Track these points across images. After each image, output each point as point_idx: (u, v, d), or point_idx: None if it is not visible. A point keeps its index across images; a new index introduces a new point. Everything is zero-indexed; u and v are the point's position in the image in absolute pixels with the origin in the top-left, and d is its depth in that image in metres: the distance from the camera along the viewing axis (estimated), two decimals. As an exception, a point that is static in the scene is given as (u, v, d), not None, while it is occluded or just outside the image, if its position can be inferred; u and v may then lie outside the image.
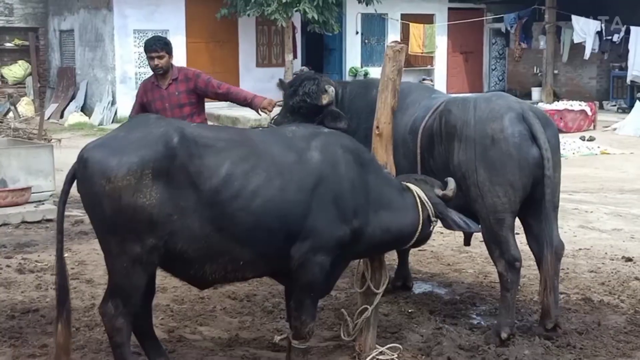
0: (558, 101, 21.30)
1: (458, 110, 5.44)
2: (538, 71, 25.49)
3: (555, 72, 24.61)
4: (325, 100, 6.07)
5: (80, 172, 4.35)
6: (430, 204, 4.94)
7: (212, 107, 15.74)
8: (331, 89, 6.13)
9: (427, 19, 25.29)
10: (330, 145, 4.69)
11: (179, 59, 21.28)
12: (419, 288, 6.81)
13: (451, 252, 7.94)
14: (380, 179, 4.88)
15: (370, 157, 4.95)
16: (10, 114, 19.67)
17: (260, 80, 21.81)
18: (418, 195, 4.94)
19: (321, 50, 24.74)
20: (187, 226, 4.32)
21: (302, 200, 4.50)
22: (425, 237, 5.08)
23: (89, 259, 7.48)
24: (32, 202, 9.50)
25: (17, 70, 22.62)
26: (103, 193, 4.23)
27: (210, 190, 4.33)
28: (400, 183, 5.01)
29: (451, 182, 5.06)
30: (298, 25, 22.53)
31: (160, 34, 20.55)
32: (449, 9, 25.74)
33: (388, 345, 5.25)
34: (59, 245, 4.54)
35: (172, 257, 4.41)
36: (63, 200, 4.50)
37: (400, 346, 5.29)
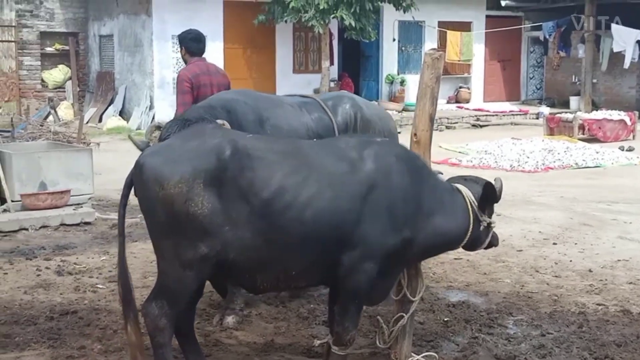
0: (597, 110, 21.11)
1: None
2: (576, 80, 25.30)
3: (594, 81, 24.41)
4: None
5: (137, 177, 4.48)
6: (476, 205, 4.93)
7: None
8: (227, 123, 5.52)
9: (465, 27, 25.20)
10: (383, 155, 4.69)
11: (217, 64, 21.38)
12: (454, 297, 6.78)
13: (487, 261, 7.89)
14: (432, 185, 4.87)
15: (422, 164, 4.94)
16: (51, 118, 19.96)
17: (297, 87, 21.87)
18: (467, 196, 4.93)
19: (358, 57, 24.75)
20: (239, 237, 4.37)
21: (354, 210, 4.51)
22: (477, 239, 5.02)
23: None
24: (71, 205, 9.61)
25: (57, 74, 22.90)
26: (157, 198, 4.34)
27: (262, 202, 4.37)
28: (451, 185, 5.01)
29: (498, 181, 5.04)
30: (335, 32, 22.58)
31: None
32: (487, 16, 25.63)
33: (424, 354, 5.23)
34: (120, 247, 4.65)
35: (224, 266, 4.48)
36: (123, 203, 4.61)
37: (436, 355, 5.27)
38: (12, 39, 22.73)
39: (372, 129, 6.49)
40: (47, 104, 21.02)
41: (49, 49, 22.91)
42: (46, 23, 22.84)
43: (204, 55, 7.18)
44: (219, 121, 5.36)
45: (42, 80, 22.84)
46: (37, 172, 9.67)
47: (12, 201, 9.42)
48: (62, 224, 9.25)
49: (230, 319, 5.97)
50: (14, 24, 22.53)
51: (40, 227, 9.10)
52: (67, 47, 23.01)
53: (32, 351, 5.39)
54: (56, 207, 9.47)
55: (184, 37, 7.14)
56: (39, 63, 22.78)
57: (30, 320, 5.98)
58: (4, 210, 9.39)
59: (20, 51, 22.41)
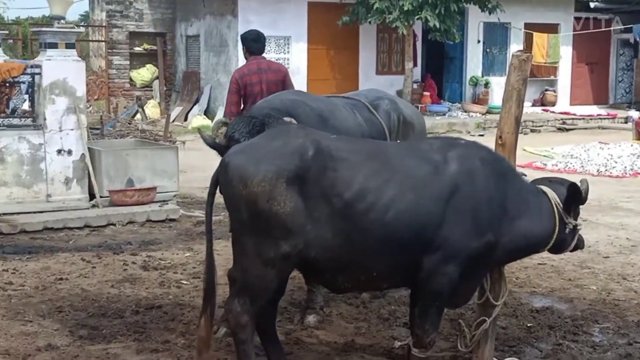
0: (689, 115, 20.48)
1: None
2: (667, 83, 24.58)
3: (686, 84, 23.69)
4: None
5: (222, 175, 4.55)
6: (561, 207, 4.84)
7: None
8: (291, 120, 5.55)
9: (552, 29, 24.75)
10: (467, 157, 4.65)
11: (301, 65, 21.66)
12: (538, 302, 6.68)
13: (572, 267, 7.75)
14: (517, 187, 4.81)
15: (508, 166, 4.89)
16: (138, 116, 20.40)
17: (380, 88, 21.53)
18: (552, 198, 4.85)
19: (441, 58, 24.56)
20: (321, 237, 4.40)
21: (436, 212, 4.49)
22: (563, 242, 4.93)
23: (209, 258, 7.64)
24: (156, 202, 9.81)
25: (144, 73, 23.40)
26: (241, 196, 4.41)
27: (344, 202, 4.39)
28: (535, 187, 4.93)
29: (584, 183, 4.94)
30: (419, 33, 22.47)
31: (282, 40, 21.17)
32: (575, 18, 25.12)
33: (506, 359, 5.16)
34: (208, 244, 4.73)
35: (305, 265, 4.53)
36: (210, 201, 4.69)
37: (518, 360, 5.20)
38: (102, 39, 23.34)
39: (411, 129, 6.56)
40: (135, 102, 21.49)
41: (137, 49, 23.42)
42: (135, 23, 23.36)
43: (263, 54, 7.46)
44: (286, 119, 5.41)
45: (131, 79, 23.37)
46: (125, 169, 9.90)
47: (101, 197, 9.67)
48: (148, 220, 9.45)
49: (311, 318, 6.00)
50: (104, 24, 23.11)
51: (127, 223, 9.32)
52: (155, 47, 23.48)
53: (119, 344, 5.52)
54: (142, 203, 9.69)
55: (245, 38, 7.44)
56: (128, 62, 23.32)
57: (117, 314, 6.13)
58: (93, 206, 9.66)
59: (109, 51, 22.99)
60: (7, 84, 9.62)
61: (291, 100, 6.02)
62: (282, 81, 7.21)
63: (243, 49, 7.49)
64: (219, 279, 6.80)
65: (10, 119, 9.62)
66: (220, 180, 4.59)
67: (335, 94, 7.09)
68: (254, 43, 7.38)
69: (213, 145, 5.52)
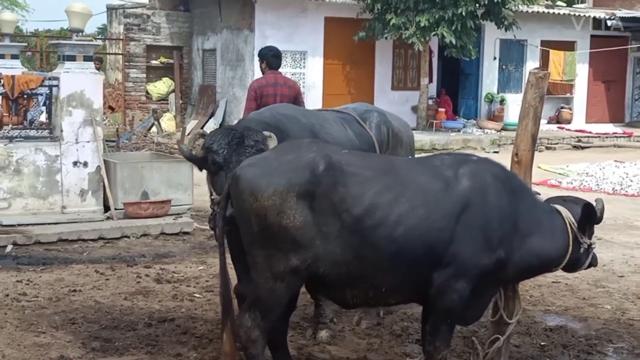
0: None
1: None
2: (684, 102, 24.47)
3: (703, 103, 23.58)
4: (272, 145, 5.25)
5: (233, 188, 4.56)
6: (576, 226, 4.82)
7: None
8: (273, 135, 5.37)
9: (568, 46, 24.72)
10: (479, 173, 4.64)
11: (316, 79, 21.71)
12: (552, 321, 6.64)
13: (587, 286, 7.70)
14: (530, 205, 4.79)
15: (520, 183, 4.87)
16: (154, 129, 20.48)
17: (395, 103, 21.86)
18: (567, 217, 4.83)
19: (457, 74, 24.57)
20: (330, 251, 4.40)
21: (447, 229, 4.48)
22: (577, 261, 4.90)
23: (223, 272, 7.64)
24: (171, 215, 9.84)
25: (161, 87, 23.51)
26: (251, 209, 4.41)
27: (353, 218, 4.39)
28: (549, 206, 4.91)
29: (599, 202, 4.92)
30: (435, 49, 22.49)
31: (298, 55, 21.25)
32: (592, 36, 25.07)
33: (519, 378, 5.14)
34: (221, 257, 4.74)
35: (314, 280, 4.52)
36: (222, 215, 4.68)
37: (531, 379, 5.16)
38: (120, 52, 23.48)
39: (399, 142, 6.59)
40: (151, 115, 21.57)
41: (154, 62, 23.55)
42: (152, 37, 23.49)
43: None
44: (265, 133, 5.35)
45: (147, 92, 23.48)
46: (140, 182, 9.95)
47: (115, 209, 9.71)
48: (162, 233, 9.47)
49: (323, 333, 5.99)
50: (121, 37, 23.26)
51: (141, 236, 9.35)
52: (171, 61, 23.61)
53: (131, 356, 5.53)
54: (157, 216, 9.71)
55: (265, 54, 7.93)
56: (144, 75, 23.44)
57: (130, 326, 6.14)
58: (108, 218, 9.70)
59: (126, 64, 23.12)
60: (25, 96, 9.70)
61: (282, 114, 6.00)
62: (295, 97, 7.56)
63: (263, 63, 7.88)
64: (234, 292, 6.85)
65: (28, 131, 9.71)
66: (231, 192, 4.60)
67: (326, 109, 7.15)
68: (275, 59, 7.88)
69: (190, 157, 5.36)
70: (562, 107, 24.92)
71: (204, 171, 5.43)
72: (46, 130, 9.79)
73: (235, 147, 5.14)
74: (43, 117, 9.81)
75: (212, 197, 5.23)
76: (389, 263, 4.46)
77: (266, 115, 5.94)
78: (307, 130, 5.87)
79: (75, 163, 9.75)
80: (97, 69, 18.81)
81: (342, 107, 6.85)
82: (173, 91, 23.56)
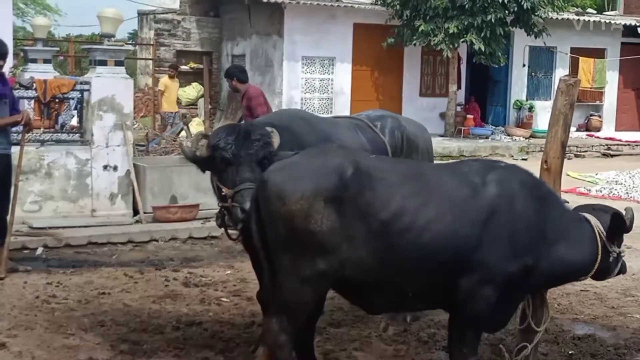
0: None
1: None
2: None
3: None
4: (276, 143, 5.29)
5: (261, 192, 4.56)
6: (605, 235, 4.79)
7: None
8: (275, 131, 5.37)
9: (598, 53, 24.56)
10: (506, 180, 4.64)
11: (344, 85, 21.73)
12: (580, 330, 6.60)
13: (616, 295, 7.64)
14: (557, 213, 4.77)
15: (548, 190, 4.86)
16: (183, 133, 20.57)
17: (423, 110, 21.83)
18: (596, 227, 4.80)
19: (485, 81, 24.48)
20: (357, 256, 4.40)
21: (474, 235, 4.47)
22: (606, 269, 4.88)
23: (250, 277, 7.67)
24: (199, 219, 9.88)
25: (190, 91, 23.63)
26: (278, 214, 4.42)
27: (380, 223, 4.39)
28: (578, 214, 4.89)
29: (629, 211, 4.88)
30: (464, 56, 22.44)
31: (326, 61, 21.31)
32: (622, 43, 24.89)
33: (546, 386, 5.11)
34: (266, 262, 4.66)
35: (341, 284, 4.53)
36: (254, 219, 4.63)
37: (559, 388, 5.13)
38: (150, 57, 23.64)
39: (415, 147, 6.57)
40: (181, 120, 21.69)
41: (184, 67, 23.68)
42: (182, 42, 23.64)
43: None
44: (268, 128, 5.34)
45: (177, 97, 23.60)
46: (169, 186, 10.01)
47: (145, 213, 9.78)
48: (190, 237, 9.52)
49: (390, 329, 6.22)
50: (152, 43, 23.43)
51: (170, 239, 9.40)
52: (201, 66, 23.72)
53: (159, 359, 5.57)
54: (185, 220, 9.77)
55: (233, 72, 9.04)
56: (174, 81, 23.54)
57: (158, 329, 6.18)
58: (137, 222, 9.77)
59: (156, 69, 23.27)
60: (57, 100, 9.82)
61: (292, 118, 6.00)
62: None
63: (233, 80, 8.92)
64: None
65: (59, 134, 9.81)
66: (259, 196, 4.61)
67: (339, 115, 7.19)
68: (244, 74, 9.03)
69: (193, 158, 5.39)
70: (591, 115, 24.75)
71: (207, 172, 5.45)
72: (77, 134, 9.90)
73: (242, 141, 5.14)
74: (74, 121, 9.91)
75: (223, 192, 5.20)
76: (415, 268, 4.46)
77: (273, 118, 5.95)
78: (319, 135, 5.85)
79: (105, 167, 9.84)
80: (173, 76, 19.22)
81: (356, 114, 6.88)
82: (202, 96, 23.67)
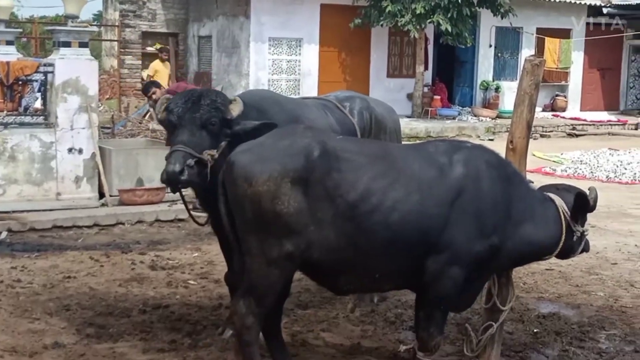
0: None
1: None
2: (679, 90, 24.50)
3: (698, 91, 23.60)
4: (234, 112, 5.16)
5: (227, 174, 4.53)
6: (569, 215, 4.84)
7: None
8: (239, 99, 5.29)
9: (564, 34, 24.72)
10: (473, 160, 4.65)
11: (312, 66, 21.67)
12: (545, 308, 6.67)
13: (580, 273, 7.73)
14: (523, 192, 4.80)
15: (513, 170, 4.89)
16: (149, 116, 20.43)
17: (391, 91, 21.86)
18: (560, 206, 4.84)
19: (452, 62, 24.56)
20: (324, 237, 4.40)
21: (441, 214, 4.49)
22: (570, 248, 4.93)
23: (217, 259, 7.66)
24: (166, 202, 9.83)
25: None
26: (245, 195, 4.40)
27: (348, 204, 4.39)
28: (542, 194, 4.93)
29: (592, 191, 4.93)
30: (431, 36, 22.46)
31: (293, 42, 21.22)
32: (587, 24, 25.07)
33: (512, 364, 5.16)
34: (234, 244, 4.67)
35: (308, 265, 4.52)
36: (222, 200, 4.61)
37: (524, 366, 5.19)
38: (115, 39, 23.40)
39: (383, 128, 6.55)
40: (147, 102, 21.50)
41: (149, 49, 23.46)
42: (148, 23, 23.41)
43: None
44: (231, 97, 5.28)
45: (142, 79, 23.40)
46: (135, 169, 9.94)
47: (110, 196, 9.71)
48: (156, 220, 9.48)
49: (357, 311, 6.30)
50: (117, 24, 23.18)
51: (136, 222, 9.35)
52: (167, 47, 23.50)
53: (125, 342, 5.54)
54: (152, 203, 9.71)
55: (146, 89, 10.33)
56: (140, 62, 23.35)
57: (124, 313, 6.15)
58: (102, 205, 9.69)
59: (122, 50, 23.04)
60: (20, 82, 9.68)
61: (261, 97, 5.92)
62: None
63: (151, 94, 9.86)
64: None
65: (22, 117, 9.68)
66: (225, 178, 4.58)
67: (307, 97, 7.09)
68: (148, 87, 10.04)
69: (159, 121, 5.38)
70: (557, 95, 24.95)
71: None
72: (41, 117, 9.77)
73: (190, 105, 5.08)
74: (38, 104, 9.77)
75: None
76: (382, 249, 4.47)
77: (244, 98, 5.90)
78: (288, 114, 5.79)
79: (70, 150, 9.73)
80: (163, 60, 18.96)
81: (324, 95, 6.82)
82: (169, 78, 23.46)
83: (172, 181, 4.96)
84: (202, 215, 9.44)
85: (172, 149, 5.04)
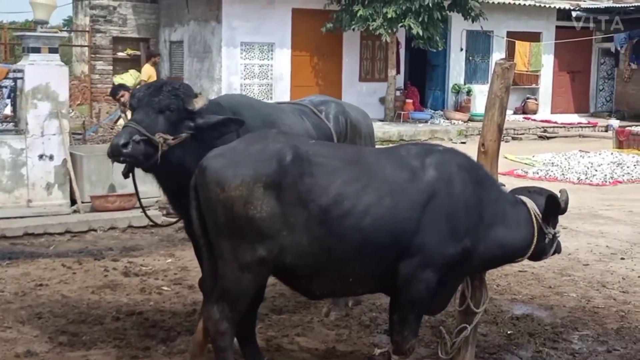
0: (669, 124, 20.63)
1: None
2: (648, 93, 24.77)
3: (667, 94, 23.89)
4: (197, 104, 5.12)
5: (199, 179, 4.51)
6: (540, 217, 4.87)
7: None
8: (205, 95, 5.31)
9: (534, 37, 24.93)
10: (444, 163, 4.67)
11: (284, 71, 21.68)
12: (518, 310, 6.71)
13: (552, 275, 7.79)
14: (494, 195, 4.83)
15: (485, 173, 4.91)
16: (121, 121, 20.29)
17: (363, 95, 21.92)
18: (532, 209, 4.88)
19: (424, 66, 24.66)
20: (297, 242, 4.39)
21: (413, 218, 4.50)
22: (542, 250, 4.97)
23: (191, 265, 7.63)
24: (138, 208, 9.75)
25: (128, 78, 23.28)
26: (217, 200, 4.38)
27: (320, 208, 4.39)
28: (514, 197, 4.96)
29: (563, 193, 4.97)
30: (402, 40, 22.56)
31: (265, 46, 21.19)
32: (557, 27, 25.30)
33: (486, 366, 5.18)
34: (205, 249, 4.65)
35: (281, 270, 4.51)
36: (194, 206, 4.59)
37: (498, 367, 5.21)
38: (86, 44, 23.25)
39: (358, 132, 6.57)
40: (118, 107, 21.39)
41: (120, 54, 23.36)
42: (119, 28, 23.29)
43: None
44: (199, 92, 5.25)
45: (113, 85, 23.27)
46: (107, 175, 9.86)
47: (82, 202, 9.64)
48: (129, 226, 9.42)
49: (333, 314, 6.28)
50: (87, 29, 23.04)
51: (109, 229, 9.29)
52: (138, 53, 23.41)
53: (99, 350, 5.50)
54: (124, 209, 9.65)
55: (114, 92, 10.02)
56: (111, 67, 23.24)
57: (97, 320, 6.10)
58: (74, 211, 9.62)
59: (93, 56, 22.90)
60: (-11, 89, 9.57)
61: (237, 102, 5.91)
62: None
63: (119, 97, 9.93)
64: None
65: (-8, 124, 9.58)
66: (197, 183, 4.55)
67: (283, 102, 7.08)
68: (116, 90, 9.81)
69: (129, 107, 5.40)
70: (528, 98, 25.15)
71: None
72: (11, 124, 9.67)
73: (152, 90, 5.10)
74: (8, 110, 9.68)
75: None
76: (355, 253, 4.47)
77: (222, 99, 5.88)
78: (264, 119, 5.77)
79: (41, 156, 9.65)
80: (156, 63, 18.82)
81: (299, 99, 6.83)
82: (140, 83, 23.36)
83: (114, 153, 5.02)
84: (177, 222, 9.42)
85: (124, 124, 5.11)
